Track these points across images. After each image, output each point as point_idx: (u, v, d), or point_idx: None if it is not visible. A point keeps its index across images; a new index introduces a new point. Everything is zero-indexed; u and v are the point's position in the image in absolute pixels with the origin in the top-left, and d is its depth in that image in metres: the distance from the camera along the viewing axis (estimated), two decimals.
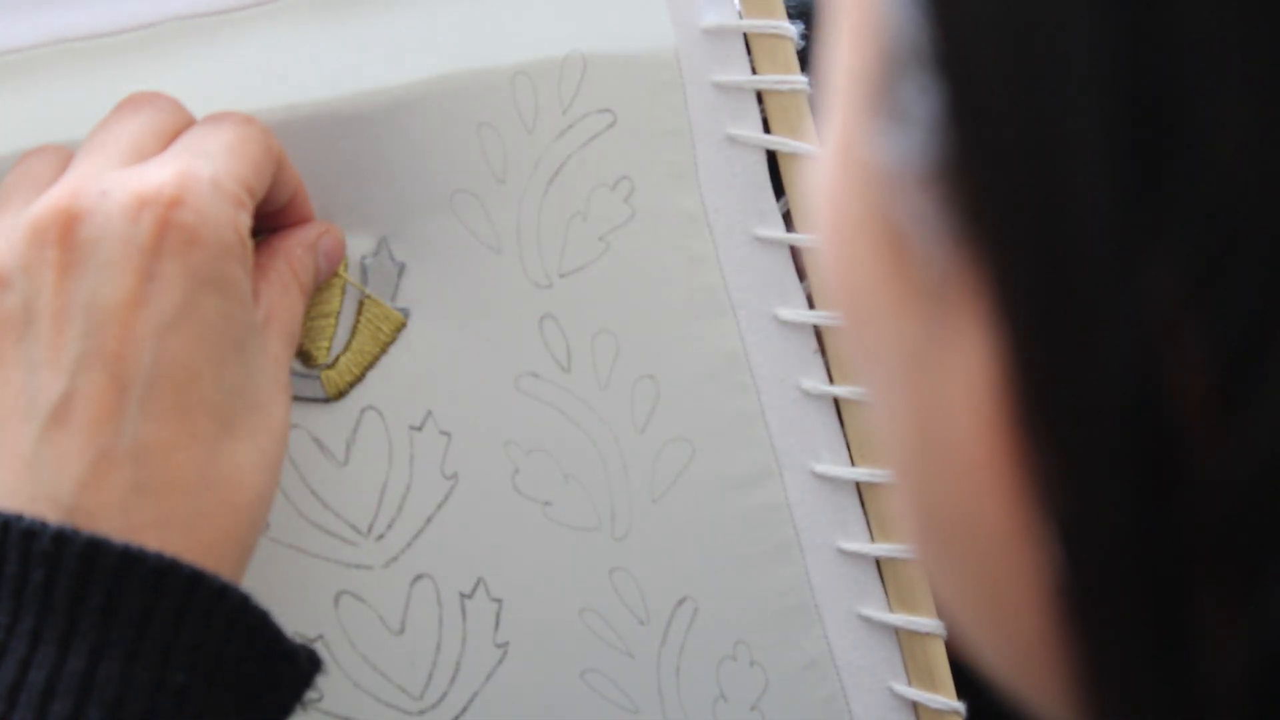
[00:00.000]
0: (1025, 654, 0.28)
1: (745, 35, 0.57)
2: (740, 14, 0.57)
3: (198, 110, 0.53)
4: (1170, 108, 0.22)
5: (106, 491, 0.45)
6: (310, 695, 0.54)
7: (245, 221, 0.49)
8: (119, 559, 0.44)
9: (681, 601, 0.57)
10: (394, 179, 0.54)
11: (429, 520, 0.55)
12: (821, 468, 0.57)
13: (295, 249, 0.52)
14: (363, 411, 0.55)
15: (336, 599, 0.55)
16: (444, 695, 0.56)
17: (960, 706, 0.57)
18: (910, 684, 0.57)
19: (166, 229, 0.46)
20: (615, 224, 0.56)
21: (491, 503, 0.56)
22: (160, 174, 0.47)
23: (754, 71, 0.57)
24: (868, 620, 0.57)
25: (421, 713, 0.55)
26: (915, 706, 0.57)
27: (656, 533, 0.56)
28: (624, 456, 0.56)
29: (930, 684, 0.57)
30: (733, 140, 0.56)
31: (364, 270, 0.55)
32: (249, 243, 0.49)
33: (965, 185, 0.25)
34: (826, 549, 0.57)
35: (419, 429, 0.55)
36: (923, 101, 0.25)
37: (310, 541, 0.55)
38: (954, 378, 0.26)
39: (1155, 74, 0.22)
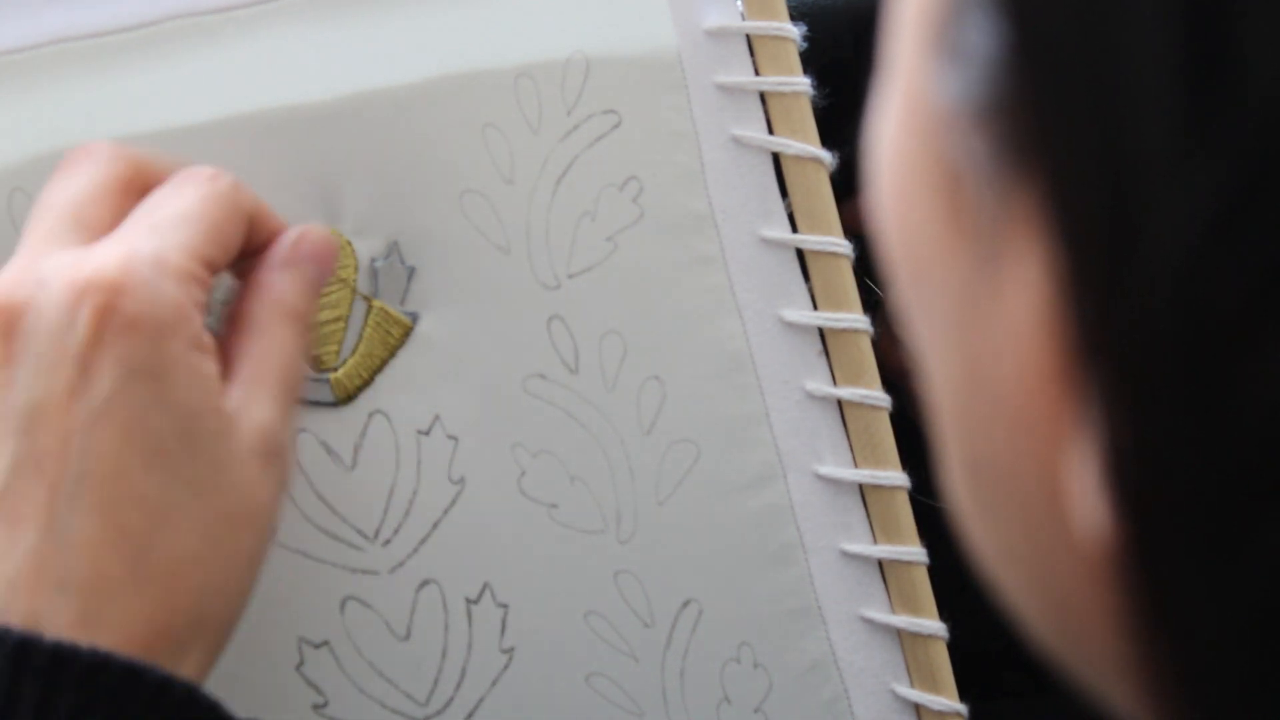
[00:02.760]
0: (1065, 607, 0.28)
1: (748, 37, 0.57)
2: (743, 15, 0.57)
3: (198, 109, 0.53)
4: (1223, 34, 0.23)
5: (34, 590, 0.43)
6: (316, 701, 0.54)
7: (196, 296, 0.46)
8: (49, 658, 0.42)
9: (686, 604, 0.57)
10: (401, 180, 0.54)
11: (435, 525, 0.55)
12: (825, 470, 0.57)
13: (273, 279, 0.49)
14: (370, 416, 0.54)
15: (343, 605, 0.54)
16: (450, 701, 0.55)
17: (963, 708, 0.57)
18: (913, 686, 0.57)
19: (104, 318, 0.44)
20: (624, 224, 0.55)
21: (498, 506, 0.55)
22: (101, 259, 0.45)
23: (757, 73, 0.57)
24: (870, 622, 0.57)
25: (427, 719, 0.55)
26: (917, 708, 0.57)
27: (661, 535, 0.56)
28: (630, 458, 0.56)
29: (932, 686, 0.57)
30: (738, 141, 0.56)
31: (374, 273, 0.54)
32: (197, 318, 0.46)
33: (1024, 118, 0.25)
34: (829, 551, 0.57)
35: (426, 433, 0.55)
36: (983, 39, 0.26)
37: (317, 546, 0.54)
38: (1004, 320, 0.27)
39: (1213, 12, 0.23)
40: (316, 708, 0.54)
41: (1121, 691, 0.28)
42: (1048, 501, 0.27)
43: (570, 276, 0.55)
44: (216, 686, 0.53)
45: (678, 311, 0.56)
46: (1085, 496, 0.25)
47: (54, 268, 0.45)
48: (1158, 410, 0.24)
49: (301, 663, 0.54)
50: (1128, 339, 0.24)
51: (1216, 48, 0.23)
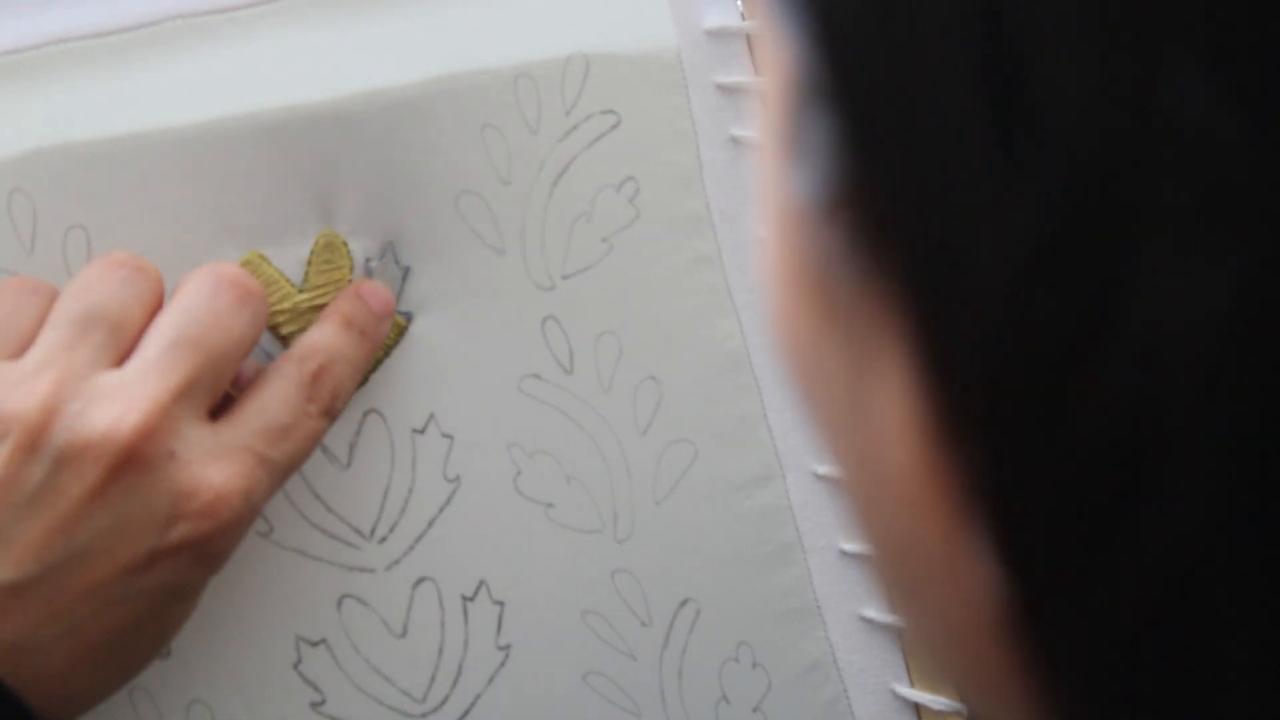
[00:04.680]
0: (980, 672, 0.28)
1: (748, 36, 0.57)
2: (742, 15, 0.57)
3: (197, 109, 0.53)
4: (1022, 88, 0.23)
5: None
6: (314, 699, 0.54)
7: None
8: None
9: (684, 603, 0.57)
10: (399, 181, 0.54)
11: (431, 523, 0.55)
12: (824, 469, 0.57)
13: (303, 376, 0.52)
14: (365, 414, 0.55)
15: (339, 602, 0.55)
16: (446, 698, 0.55)
17: (963, 708, 0.57)
18: (913, 685, 0.57)
19: (194, 543, 0.48)
20: (620, 225, 0.55)
21: (494, 505, 0.55)
22: (228, 481, 0.48)
23: (757, 73, 0.57)
24: (870, 622, 0.57)
25: (424, 716, 0.55)
26: (918, 708, 0.57)
27: (659, 535, 0.56)
28: (626, 458, 0.56)
29: (933, 685, 0.57)
30: (737, 141, 0.56)
31: (369, 273, 0.54)
32: None
33: (862, 207, 0.26)
34: (829, 550, 0.57)
35: (421, 432, 0.55)
36: (821, 135, 0.26)
37: (313, 545, 0.54)
38: (882, 413, 0.27)
39: (1010, 71, 0.23)
40: (314, 705, 0.55)
41: None
42: (954, 582, 0.27)
43: (565, 277, 0.55)
44: (216, 686, 0.54)
45: (675, 312, 0.56)
46: (981, 570, 0.26)
47: (186, 445, 0.48)
48: (1016, 464, 0.24)
49: (299, 661, 0.54)
50: (975, 403, 0.25)
51: (1018, 104, 0.23)
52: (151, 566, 0.47)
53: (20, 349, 0.49)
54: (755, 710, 0.57)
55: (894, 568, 0.30)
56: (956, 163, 0.24)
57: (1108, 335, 0.23)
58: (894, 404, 0.27)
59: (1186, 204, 0.22)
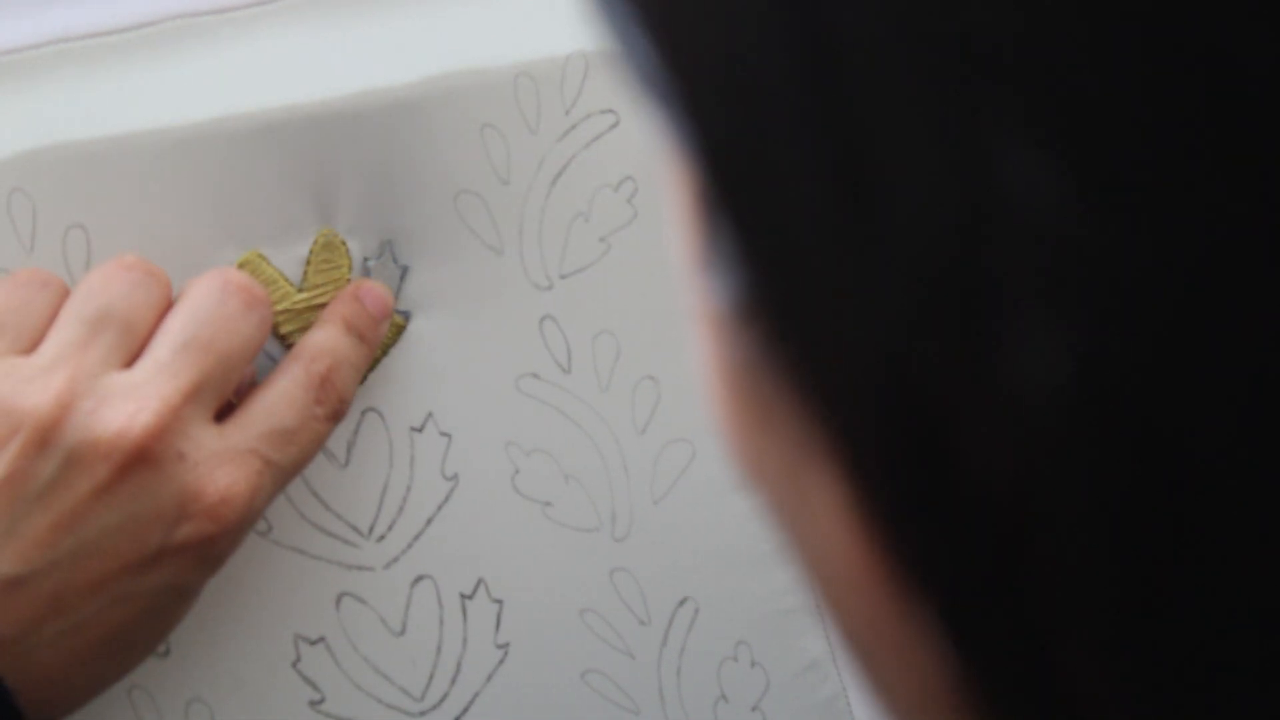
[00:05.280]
0: None
1: None
2: None
3: (196, 109, 0.53)
4: (875, 199, 0.24)
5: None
6: (313, 697, 0.54)
7: None
8: None
9: (682, 602, 0.57)
10: (398, 180, 0.54)
11: (429, 521, 0.55)
12: None
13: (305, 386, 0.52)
14: (364, 413, 0.55)
15: (338, 600, 0.55)
16: (445, 696, 0.56)
17: None
18: None
19: (197, 545, 0.48)
20: (617, 225, 0.56)
21: (492, 503, 0.56)
22: (232, 485, 0.48)
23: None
24: None
25: (423, 714, 0.55)
26: None
27: (657, 533, 0.56)
28: (625, 457, 0.56)
29: None
30: None
31: (367, 273, 0.54)
32: None
33: (757, 315, 0.26)
34: None
35: (419, 430, 0.55)
36: (722, 245, 0.26)
37: (311, 543, 0.55)
38: (820, 503, 0.27)
39: (857, 165, 0.24)
40: (313, 704, 0.55)
41: None
42: (907, 657, 0.27)
43: (563, 277, 0.55)
44: (215, 685, 0.54)
45: (673, 311, 0.56)
46: (928, 642, 0.26)
47: (193, 445, 0.48)
48: (922, 539, 0.25)
49: (298, 659, 0.55)
50: (876, 486, 0.25)
51: (868, 199, 0.24)
52: (155, 566, 0.48)
53: (31, 344, 0.49)
54: (754, 709, 0.57)
55: (852, 643, 0.30)
56: (818, 262, 0.24)
57: (973, 410, 0.23)
58: (828, 495, 0.27)
59: (1029, 279, 0.22)
